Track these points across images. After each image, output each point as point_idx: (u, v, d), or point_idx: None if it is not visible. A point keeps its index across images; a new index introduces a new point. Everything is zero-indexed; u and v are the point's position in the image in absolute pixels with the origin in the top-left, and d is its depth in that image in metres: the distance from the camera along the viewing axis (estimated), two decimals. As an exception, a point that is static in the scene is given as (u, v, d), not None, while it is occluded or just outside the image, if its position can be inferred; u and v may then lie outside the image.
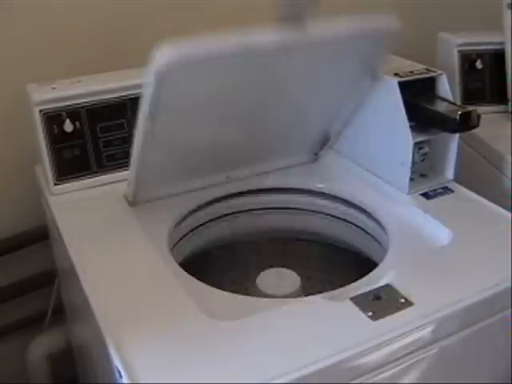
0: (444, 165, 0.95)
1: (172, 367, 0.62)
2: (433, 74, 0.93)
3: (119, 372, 0.61)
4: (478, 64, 1.25)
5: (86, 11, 1.13)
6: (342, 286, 0.74)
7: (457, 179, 0.95)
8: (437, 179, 0.95)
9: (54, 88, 0.94)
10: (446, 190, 0.93)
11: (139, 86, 0.97)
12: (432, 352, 0.69)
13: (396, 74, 0.91)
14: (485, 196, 0.91)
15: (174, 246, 0.88)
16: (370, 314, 0.67)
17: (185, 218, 0.93)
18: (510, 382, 0.81)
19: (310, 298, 0.72)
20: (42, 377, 1.25)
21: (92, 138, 0.95)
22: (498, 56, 1.23)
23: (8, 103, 1.09)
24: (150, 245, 0.81)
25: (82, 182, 0.95)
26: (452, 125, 0.89)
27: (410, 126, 0.89)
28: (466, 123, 0.88)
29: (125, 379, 0.60)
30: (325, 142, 1.04)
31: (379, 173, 0.97)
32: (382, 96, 0.92)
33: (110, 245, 0.81)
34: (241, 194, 0.99)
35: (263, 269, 0.94)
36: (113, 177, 0.96)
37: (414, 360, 0.68)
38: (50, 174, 0.93)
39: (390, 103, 0.90)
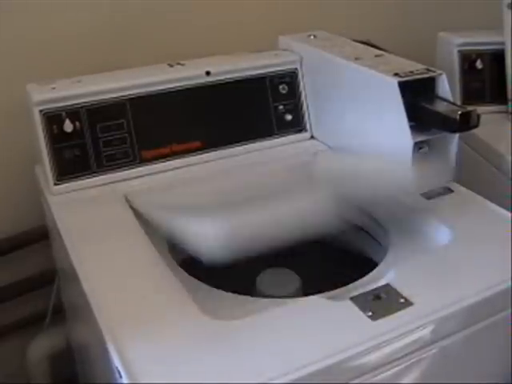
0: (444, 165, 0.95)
1: (172, 367, 0.62)
2: (433, 74, 0.93)
3: (119, 372, 0.61)
4: (478, 64, 1.25)
5: (86, 11, 1.13)
6: (342, 285, 0.74)
7: (457, 179, 0.95)
8: (437, 179, 0.95)
9: (53, 88, 0.94)
10: (446, 190, 0.93)
11: (139, 86, 0.98)
12: (432, 352, 0.69)
13: (396, 74, 0.91)
14: (485, 196, 0.91)
15: (174, 245, 0.88)
16: (370, 313, 0.67)
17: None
18: (510, 382, 0.81)
19: (310, 297, 0.72)
20: (42, 377, 1.25)
21: (92, 138, 0.95)
22: (498, 56, 1.23)
23: (8, 103, 1.09)
24: (149, 245, 0.81)
25: (81, 182, 0.95)
26: (452, 125, 0.89)
27: (410, 126, 0.88)
28: (466, 123, 0.88)
29: (125, 379, 0.60)
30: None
31: (379, 173, 0.97)
32: (382, 96, 0.92)
33: (110, 245, 0.81)
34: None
35: (263, 269, 0.94)
36: (113, 177, 0.96)
37: (413, 360, 0.68)
38: (49, 174, 0.93)
39: (390, 103, 0.90)
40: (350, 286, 0.74)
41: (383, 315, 0.67)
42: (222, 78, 1.03)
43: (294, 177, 1.03)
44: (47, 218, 0.98)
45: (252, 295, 0.81)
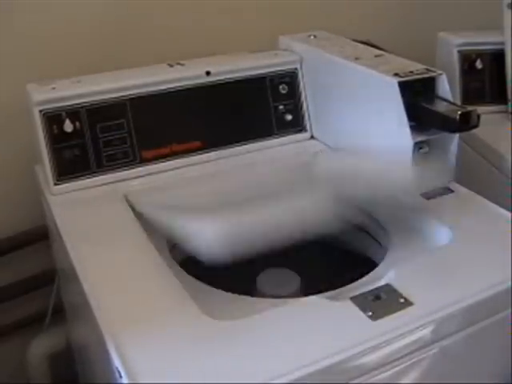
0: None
1: (172, 367, 0.62)
2: (433, 74, 0.93)
3: (119, 372, 0.61)
4: (478, 64, 1.25)
5: (86, 11, 1.13)
6: (342, 285, 0.74)
7: (457, 179, 0.95)
8: (437, 179, 0.95)
9: (53, 88, 0.94)
10: (446, 190, 0.93)
11: (139, 86, 0.98)
12: (432, 352, 0.69)
13: (396, 74, 0.91)
14: (485, 196, 0.91)
15: (174, 245, 0.88)
16: (370, 313, 0.67)
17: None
18: (510, 382, 0.81)
19: (310, 298, 0.72)
20: (42, 377, 1.25)
21: (92, 138, 0.95)
22: (498, 56, 1.23)
23: (8, 103, 1.09)
24: (149, 245, 0.81)
25: (81, 181, 0.95)
26: (452, 125, 0.89)
27: (410, 126, 0.89)
28: (465, 123, 0.88)
29: (125, 379, 0.60)
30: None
31: (379, 173, 0.97)
32: (382, 96, 0.92)
33: (110, 245, 0.81)
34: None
35: (263, 269, 0.94)
36: (113, 177, 0.96)
37: (413, 360, 0.68)
38: (49, 174, 0.93)
39: (390, 103, 0.90)
40: (350, 286, 0.74)
41: (383, 315, 0.67)
42: (221, 77, 1.03)
43: (293, 177, 1.03)
44: (47, 218, 0.98)
45: (252, 295, 0.81)
